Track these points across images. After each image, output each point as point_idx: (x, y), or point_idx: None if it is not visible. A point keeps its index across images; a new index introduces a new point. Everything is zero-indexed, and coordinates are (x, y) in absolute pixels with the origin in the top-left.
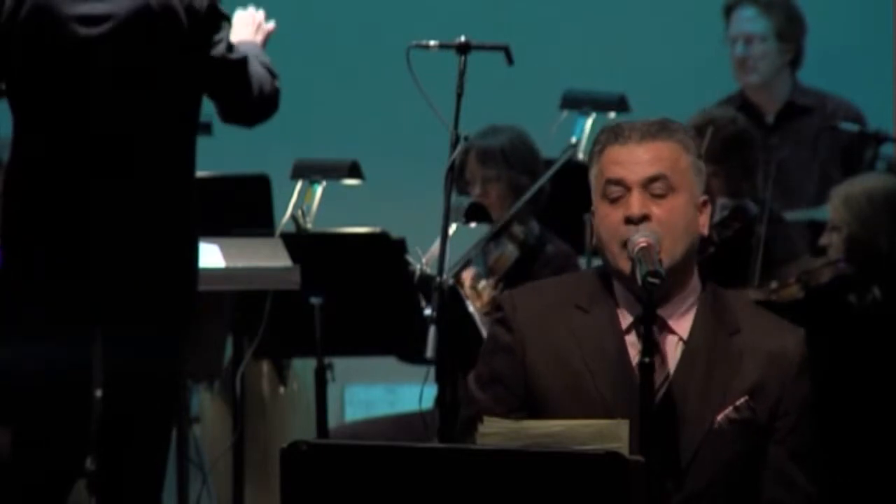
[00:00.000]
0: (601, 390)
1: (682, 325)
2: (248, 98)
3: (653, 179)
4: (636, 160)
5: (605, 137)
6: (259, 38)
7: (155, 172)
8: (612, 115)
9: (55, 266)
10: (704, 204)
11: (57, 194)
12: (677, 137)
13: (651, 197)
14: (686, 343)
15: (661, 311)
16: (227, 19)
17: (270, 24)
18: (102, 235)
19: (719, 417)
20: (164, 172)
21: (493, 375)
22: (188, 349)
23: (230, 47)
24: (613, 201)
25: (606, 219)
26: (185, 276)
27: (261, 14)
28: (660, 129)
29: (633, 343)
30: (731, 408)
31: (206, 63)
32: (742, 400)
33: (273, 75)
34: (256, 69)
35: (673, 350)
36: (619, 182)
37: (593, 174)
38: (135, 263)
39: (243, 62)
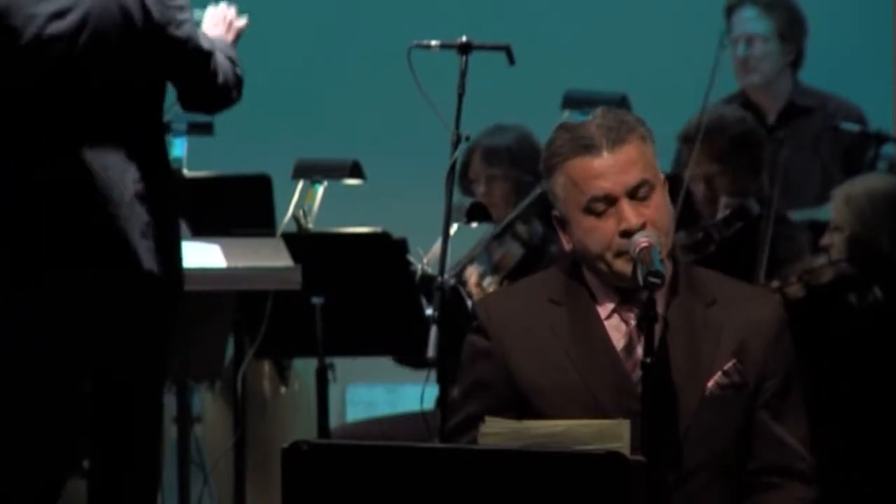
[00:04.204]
0: (586, 381)
1: (661, 303)
2: (213, 84)
3: (638, 186)
4: (614, 170)
5: (569, 148)
6: (230, 36)
7: (124, 162)
8: None
9: (41, 260)
10: (664, 182)
11: (30, 187)
12: (638, 132)
13: (638, 201)
14: (665, 319)
15: (642, 296)
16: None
17: (242, 21)
18: (84, 228)
19: (710, 384)
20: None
21: (477, 382)
22: (176, 343)
23: (194, 30)
24: (600, 215)
25: (596, 231)
26: (168, 268)
27: (232, 11)
28: (625, 131)
29: (614, 326)
30: (719, 373)
31: (170, 45)
32: (730, 363)
33: (234, 63)
34: (221, 59)
35: (656, 330)
36: (604, 198)
37: (559, 184)
38: (117, 256)
39: (210, 53)
